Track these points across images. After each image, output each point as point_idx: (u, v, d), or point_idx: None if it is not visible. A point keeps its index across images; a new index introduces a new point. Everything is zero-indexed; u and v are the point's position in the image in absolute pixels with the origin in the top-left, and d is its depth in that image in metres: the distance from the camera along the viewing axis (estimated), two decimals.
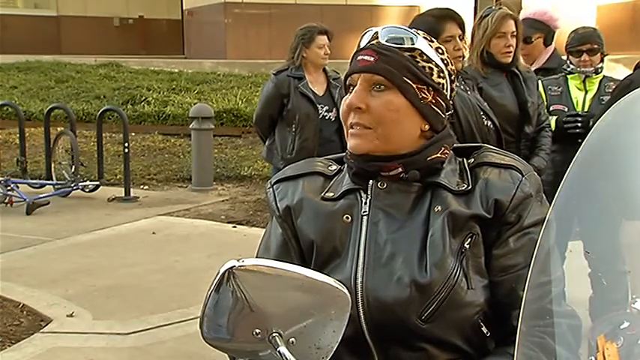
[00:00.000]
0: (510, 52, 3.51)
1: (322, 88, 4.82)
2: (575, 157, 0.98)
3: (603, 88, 4.09)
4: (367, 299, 1.35)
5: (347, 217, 1.42)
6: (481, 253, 1.36)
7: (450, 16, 2.99)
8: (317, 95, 4.76)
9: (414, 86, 1.40)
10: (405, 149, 1.41)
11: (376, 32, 1.44)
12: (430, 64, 1.42)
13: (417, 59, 1.41)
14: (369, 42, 1.44)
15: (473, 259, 1.35)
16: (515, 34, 3.52)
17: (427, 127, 1.42)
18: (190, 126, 8.42)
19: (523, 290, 1.05)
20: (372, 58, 1.40)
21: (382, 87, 1.39)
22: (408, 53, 1.41)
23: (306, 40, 4.70)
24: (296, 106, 4.69)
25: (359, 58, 1.42)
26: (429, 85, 1.41)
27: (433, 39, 1.47)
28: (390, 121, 1.39)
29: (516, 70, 3.59)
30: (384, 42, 1.42)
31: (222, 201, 7.95)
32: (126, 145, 7.92)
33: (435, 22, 2.93)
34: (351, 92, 1.43)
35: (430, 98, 1.42)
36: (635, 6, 15.88)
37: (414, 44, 1.41)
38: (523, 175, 1.38)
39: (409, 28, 1.47)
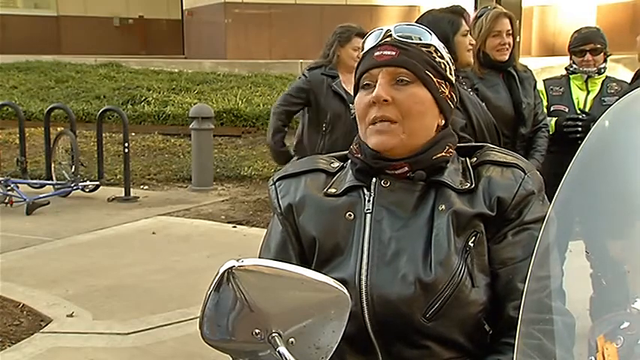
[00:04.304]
0: (506, 48, 3.51)
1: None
2: (575, 156, 0.98)
3: (605, 89, 4.07)
4: (371, 296, 1.35)
5: (349, 215, 1.41)
6: (485, 251, 1.37)
7: (461, 12, 3.04)
8: (349, 95, 4.56)
9: (435, 80, 1.41)
10: (420, 145, 1.41)
11: (388, 30, 1.43)
12: (444, 61, 1.44)
13: (434, 55, 1.43)
14: (381, 39, 1.43)
15: (477, 257, 1.36)
16: (510, 32, 3.52)
17: (443, 122, 1.44)
18: (190, 126, 8.42)
19: (520, 282, 1.04)
20: (394, 52, 1.40)
21: (406, 80, 1.39)
22: (425, 49, 1.42)
23: (343, 39, 4.55)
24: (327, 105, 4.53)
25: (377, 53, 1.41)
26: (447, 80, 1.43)
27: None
28: (416, 113, 1.39)
29: (513, 71, 3.59)
30: (398, 38, 1.42)
31: (222, 201, 7.95)
32: (126, 145, 7.91)
33: (456, 18, 2.97)
34: (366, 89, 1.42)
35: (447, 92, 1.44)
36: (635, 6, 15.88)
37: (429, 41, 1.43)
38: (525, 174, 1.39)
39: (420, 25, 1.48)
